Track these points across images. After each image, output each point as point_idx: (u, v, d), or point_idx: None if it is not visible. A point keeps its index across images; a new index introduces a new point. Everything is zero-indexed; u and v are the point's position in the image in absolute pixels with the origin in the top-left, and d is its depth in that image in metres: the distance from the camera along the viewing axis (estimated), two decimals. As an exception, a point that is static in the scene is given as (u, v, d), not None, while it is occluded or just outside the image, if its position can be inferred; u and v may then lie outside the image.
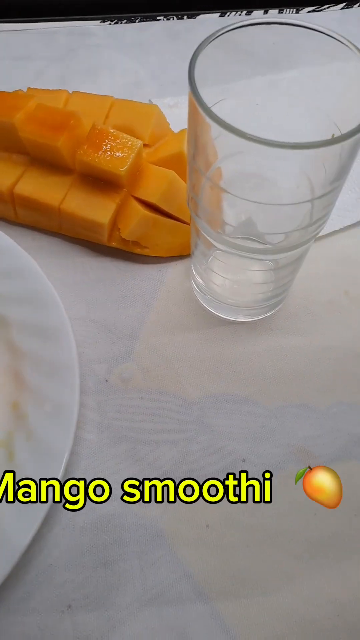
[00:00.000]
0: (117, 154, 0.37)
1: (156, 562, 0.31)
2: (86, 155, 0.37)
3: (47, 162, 0.40)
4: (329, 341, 0.39)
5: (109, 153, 0.37)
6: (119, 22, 0.58)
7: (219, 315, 0.39)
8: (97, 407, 0.35)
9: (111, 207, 0.39)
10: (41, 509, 0.30)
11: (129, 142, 0.38)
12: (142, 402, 0.36)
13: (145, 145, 0.41)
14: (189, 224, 0.41)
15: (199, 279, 0.39)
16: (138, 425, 0.35)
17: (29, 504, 0.30)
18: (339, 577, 0.31)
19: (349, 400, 0.36)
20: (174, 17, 0.59)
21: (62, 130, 0.38)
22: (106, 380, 0.36)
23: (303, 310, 0.40)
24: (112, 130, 0.38)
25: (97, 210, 0.39)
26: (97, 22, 0.58)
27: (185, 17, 0.59)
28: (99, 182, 0.39)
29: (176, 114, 0.47)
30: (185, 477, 0.33)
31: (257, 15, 0.59)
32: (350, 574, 0.31)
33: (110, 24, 0.58)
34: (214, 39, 0.28)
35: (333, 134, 0.31)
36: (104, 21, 0.58)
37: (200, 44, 0.27)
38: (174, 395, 0.36)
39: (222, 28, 0.28)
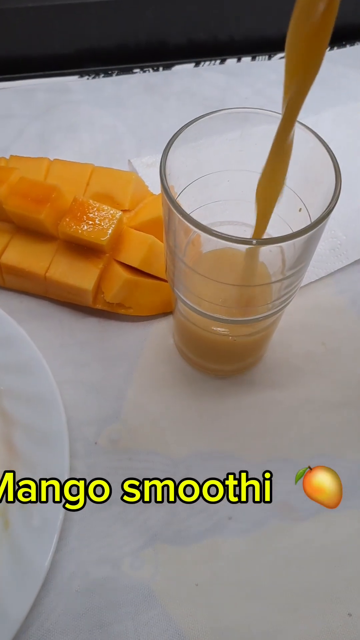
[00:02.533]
0: (98, 225, 0.39)
1: (149, 622, 0.32)
2: (69, 227, 0.39)
3: (32, 231, 0.42)
4: (308, 393, 0.41)
5: (90, 223, 0.39)
6: (97, 76, 0.60)
7: (201, 372, 0.41)
8: (87, 471, 0.37)
9: (95, 273, 0.40)
10: (38, 578, 0.31)
11: (110, 213, 0.40)
12: (130, 462, 0.37)
13: (125, 210, 0.42)
14: (169, 284, 0.43)
15: (179, 338, 0.41)
16: (127, 487, 0.36)
17: (25, 573, 0.31)
18: (323, 627, 0.32)
19: (329, 452, 0.38)
20: (150, 69, 0.61)
21: (44, 203, 0.39)
22: (95, 443, 0.38)
23: (284, 362, 0.42)
24: (92, 202, 0.40)
25: (82, 276, 0.40)
26: (75, 77, 0.60)
27: (160, 68, 0.61)
28: (82, 248, 0.41)
29: (154, 173, 0.49)
30: (173, 537, 0.35)
31: (231, 63, 0.62)
32: (334, 625, 0.32)
33: (88, 78, 0.60)
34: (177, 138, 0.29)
35: (300, 209, 0.33)
36: (81, 76, 0.60)
37: (165, 147, 0.29)
38: (160, 455, 0.38)
39: (184, 126, 0.30)
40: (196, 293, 0.32)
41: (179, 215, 0.26)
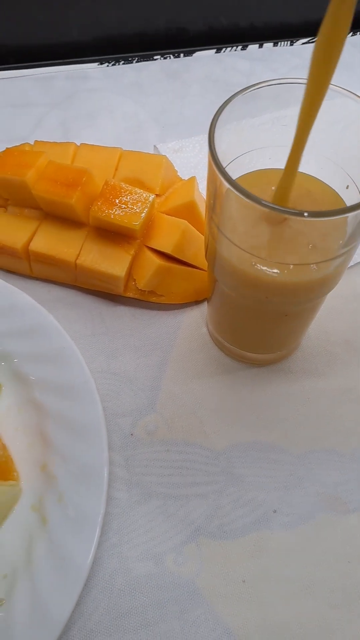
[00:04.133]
0: (131, 209, 0.38)
1: (196, 621, 0.31)
2: (100, 212, 0.38)
3: (61, 217, 0.40)
4: (349, 382, 0.39)
5: (122, 208, 0.38)
6: (117, 64, 0.58)
7: (237, 360, 0.40)
8: (125, 464, 0.35)
9: (126, 259, 0.39)
10: (80, 575, 0.30)
11: (142, 197, 0.38)
12: (168, 454, 0.36)
13: (155, 195, 0.41)
14: (203, 270, 0.41)
15: (214, 326, 0.39)
16: (167, 480, 0.35)
17: (67, 570, 0.30)
18: (378, 627, 0.31)
19: (373, 442, 0.37)
20: (171, 56, 0.59)
21: (75, 187, 0.38)
22: (131, 434, 0.37)
23: (321, 350, 0.40)
24: (124, 186, 0.38)
25: (113, 263, 0.39)
26: (95, 64, 0.58)
27: (181, 55, 0.60)
28: (113, 234, 0.39)
29: (182, 158, 0.48)
30: (217, 531, 0.33)
31: (253, 49, 0.60)
32: (389, 623, 0.31)
33: (107, 65, 0.58)
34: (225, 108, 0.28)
35: (347, 185, 0.32)
36: (101, 63, 0.58)
37: (213, 119, 0.27)
38: (200, 446, 0.36)
39: (230, 98, 0.28)
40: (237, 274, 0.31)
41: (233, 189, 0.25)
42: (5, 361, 0.37)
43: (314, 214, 0.24)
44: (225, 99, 0.28)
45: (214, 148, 0.26)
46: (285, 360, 0.40)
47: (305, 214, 0.25)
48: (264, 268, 0.29)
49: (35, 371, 0.37)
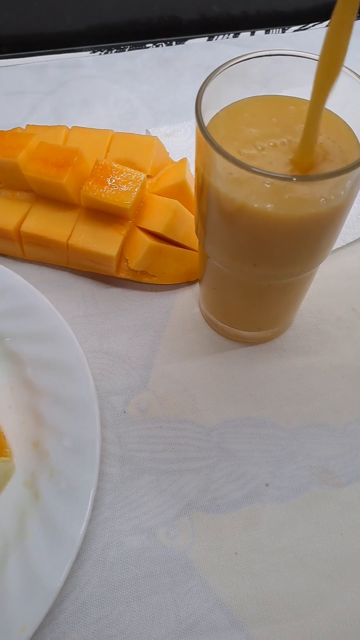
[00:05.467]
0: (122, 188, 0.38)
1: (188, 593, 0.31)
2: (91, 191, 0.38)
3: (52, 199, 0.40)
4: (341, 359, 0.39)
5: (113, 188, 0.38)
6: (109, 52, 0.59)
7: (229, 339, 0.40)
8: (117, 440, 0.36)
9: (118, 240, 0.39)
10: (72, 547, 0.30)
11: (133, 176, 0.38)
12: (161, 431, 0.36)
13: (147, 176, 0.41)
14: (195, 251, 0.41)
15: (207, 305, 0.40)
16: (159, 456, 0.35)
17: (59, 543, 0.30)
18: (370, 596, 0.31)
19: (365, 417, 0.37)
20: (163, 44, 0.60)
21: (65, 167, 0.38)
22: (124, 412, 0.37)
23: (313, 329, 0.41)
24: (115, 165, 0.38)
25: (105, 243, 0.39)
26: (87, 52, 0.59)
27: (173, 42, 0.60)
28: (105, 215, 0.40)
29: (173, 143, 0.48)
30: (209, 505, 0.33)
31: (244, 37, 0.61)
32: (381, 592, 0.31)
33: (100, 54, 0.59)
34: (215, 77, 0.28)
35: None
36: (93, 52, 0.59)
37: (202, 85, 0.27)
38: (192, 423, 0.36)
39: (220, 67, 0.28)
40: (231, 245, 0.31)
41: (216, 153, 0.25)
42: (-3, 340, 0.37)
43: (302, 179, 0.25)
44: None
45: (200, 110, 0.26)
46: (278, 338, 0.40)
47: (294, 179, 0.25)
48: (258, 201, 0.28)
49: (27, 350, 0.37)
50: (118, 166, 0.39)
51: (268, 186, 0.26)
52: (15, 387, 0.36)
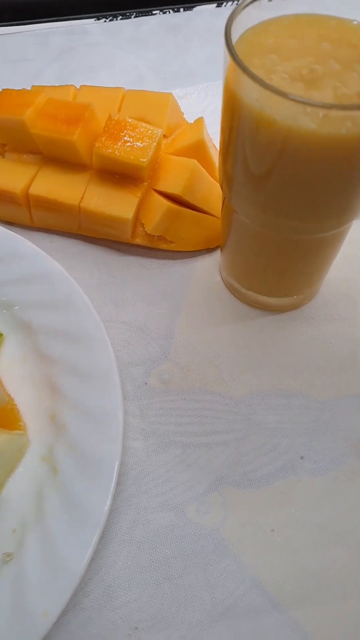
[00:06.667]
0: (137, 145, 0.35)
1: (223, 573, 0.29)
2: (104, 148, 0.35)
3: (61, 160, 0.38)
4: (372, 326, 0.37)
5: (128, 144, 0.35)
6: (115, 19, 0.56)
7: (254, 307, 0.37)
8: (140, 413, 0.33)
9: (134, 202, 0.37)
10: (96, 525, 0.27)
11: (149, 132, 0.36)
12: (185, 403, 0.34)
13: (162, 135, 0.39)
14: (214, 216, 0.39)
15: (230, 271, 0.37)
16: (185, 429, 0.33)
17: (81, 521, 0.27)
18: None
19: None
20: (170, 11, 0.57)
21: (76, 124, 0.36)
22: (145, 384, 0.34)
23: (341, 296, 0.38)
24: (130, 120, 0.36)
25: (120, 205, 0.37)
26: (92, 20, 0.56)
27: (181, 9, 0.57)
28: (118, 176, 0.37)
29: (187, 105, 0.45)
30: (241, 479, 0.31)
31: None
32: None
33: (105, 21, 0.56)
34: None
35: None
36: (98, 19, 0.56)
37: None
38: (218, 394, 0.34)
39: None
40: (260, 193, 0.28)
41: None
42: (6, 309, 0.35)
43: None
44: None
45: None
46: (305, 306, 0.38)
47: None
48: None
49: (40, 319, 0.34)
50: (133, 121, 0.36)
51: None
52: (28, 358, 0.34)
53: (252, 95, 0.25)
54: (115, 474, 0.28)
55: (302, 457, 0.32)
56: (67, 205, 0.37)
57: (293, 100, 0.23)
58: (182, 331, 0.37)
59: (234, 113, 0.27)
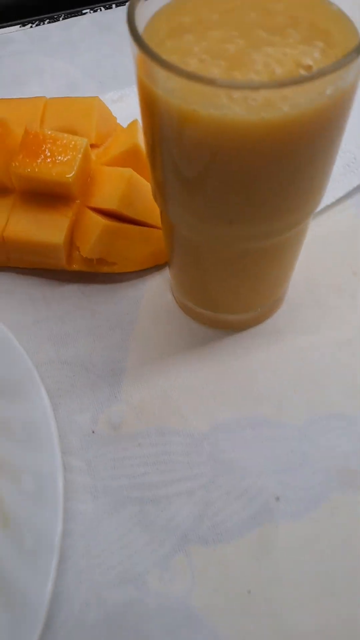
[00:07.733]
0: (60, 159, 0.31)
1: (195, 652, 0.24)
2: (23, 167, 0.31)
3: (-22, 185, 0.34)
4: (346, 333, 0.33)
5: (50, 159, 0.31)
6: (42, 23, 0.52)
7: (213, 327, 0.33)
8: (87, 468, 0.29)
9: (64, 224, 0.32)
10: (37, 619, 0.23)
11: (72, 143, 0.32)
12: (140, 449, 0.29)
13: (92, 145, 0.34)
14: (159, 228, 0.35)
15: (180, 289, 0.33)
16: (141, 481, 0.28)
17: (21, 613, 0.23)
18: None
19: (385, 400, 0.30)
20: (102, 8, 0.53)
21: (-13, 143, 0.31)
22: (92, 432, 0.30)
23: (309, 301, 0.34)
24: (49, 132, 0.32)
25: (49, 230, 0.32)
26: (16, 27, 0.52)
27: (113, 5, 0.53)
28: (45, 197, 0.33)
29: (123, 108, 0.41)
30: (209, 534, 0.27)
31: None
32: None
33: (31, 27, 0.52)
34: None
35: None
36: (23, 25, 0.52)
37: None
38: (177, 433, 0.30)
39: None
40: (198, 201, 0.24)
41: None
42: None
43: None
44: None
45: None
46: (269, 319, 0.34)
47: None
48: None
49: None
50: (52, 133, 0.32)
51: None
52: None
53: (167, 86, 0.21)
54: (56, 550, 0.24)
55: (277, 499, 0.28)
56: (-12, 236, 0.33)
57: (212, 84, 0.19)
58: (133, 364, 0.32)
59: (152, 111, 0.23)
